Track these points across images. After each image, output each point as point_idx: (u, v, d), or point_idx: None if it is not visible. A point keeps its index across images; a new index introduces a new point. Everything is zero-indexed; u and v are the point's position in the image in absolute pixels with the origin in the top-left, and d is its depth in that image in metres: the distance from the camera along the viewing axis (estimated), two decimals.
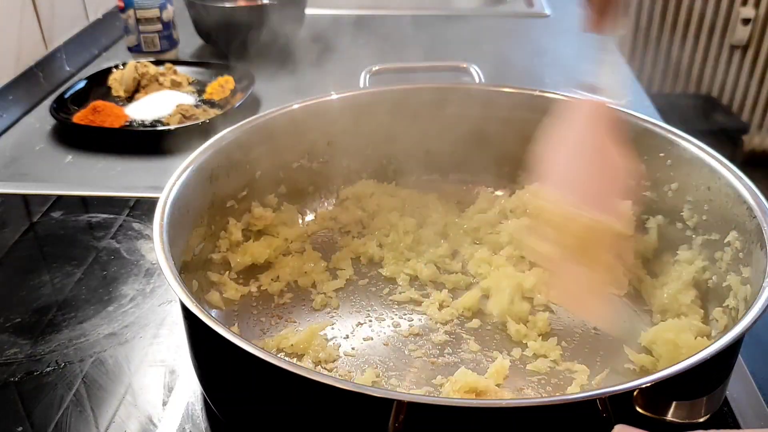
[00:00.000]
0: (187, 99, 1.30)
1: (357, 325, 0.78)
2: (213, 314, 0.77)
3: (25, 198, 1.05)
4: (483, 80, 1.10)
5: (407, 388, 0.69)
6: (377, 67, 1.09)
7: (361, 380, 0.70)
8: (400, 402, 0.49)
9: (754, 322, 0.56)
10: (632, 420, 0.48)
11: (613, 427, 0.47)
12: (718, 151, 0.78)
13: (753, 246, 0.68)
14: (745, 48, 3.04)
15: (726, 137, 3.00)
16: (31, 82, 1.35)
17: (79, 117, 1.21)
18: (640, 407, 0.50)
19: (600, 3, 0.70)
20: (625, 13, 0.68)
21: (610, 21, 0.71)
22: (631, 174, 0.70)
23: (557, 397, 0.54)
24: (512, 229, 0.84)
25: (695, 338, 0.68)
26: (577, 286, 0.69)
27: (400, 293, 0.82)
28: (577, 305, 0.71)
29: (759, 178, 0.75)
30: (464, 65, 1.14)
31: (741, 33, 2.99)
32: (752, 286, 0.67)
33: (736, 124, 3.10)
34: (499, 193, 0.98)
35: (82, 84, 1.33)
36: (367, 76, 1.07)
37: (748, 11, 2.95)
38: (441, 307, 0.80)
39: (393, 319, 0.79)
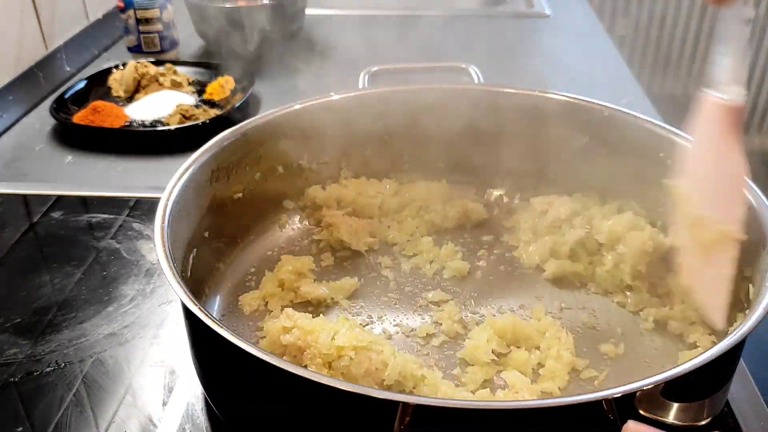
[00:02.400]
0: (187, 99, 1.30)
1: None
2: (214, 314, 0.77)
3: (25, 198, 1.05)
4: (482, 81, 1.10)
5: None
6: (377, 68, 1.09)
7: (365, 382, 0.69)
8: (405, 404, 0.49)
9: (758, 323, 0.55)
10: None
11: (622, 427, 0.47)
12: None
13: (755, 246, 0.68)
14: None
15: None
16: (31, 82, 1.35)
17: (79, 117, 1.21)
18: (642, 409, 0.50)
19: None
20: None
21: None
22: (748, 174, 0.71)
23: (564, 399, 0.54)
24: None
25: None
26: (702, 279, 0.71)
27: (401, 294, 0.82)
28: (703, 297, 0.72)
29: (759, 178, 0.74)
30: (463, 66, 1.14)
31: None
32: (754, 286, 0.66)
33: None
34: (497, 193, 0.98)
35: (82, 84, 1.33)
36: (367, 76, 1.07)
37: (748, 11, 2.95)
38: (443, 308, 0.80)
39: (394, 320, 0.79)
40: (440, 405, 0.50)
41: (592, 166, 0.91)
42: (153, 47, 1.46)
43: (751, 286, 0.68)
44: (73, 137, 1.20)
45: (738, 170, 0.69)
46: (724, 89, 0.69)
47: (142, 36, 1.44)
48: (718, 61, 0.70)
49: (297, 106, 0.90)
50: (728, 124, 0.69)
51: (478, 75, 1.10)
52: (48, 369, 0.74)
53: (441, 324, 0.77)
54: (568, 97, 0.91)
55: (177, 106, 1.24)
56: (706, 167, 0.71)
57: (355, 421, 0.54)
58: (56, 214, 1.00)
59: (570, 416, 0.50)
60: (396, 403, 0.49)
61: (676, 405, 0.52)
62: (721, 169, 0.70)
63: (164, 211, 0.69)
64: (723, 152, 0.69)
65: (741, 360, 0.72)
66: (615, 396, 0.49)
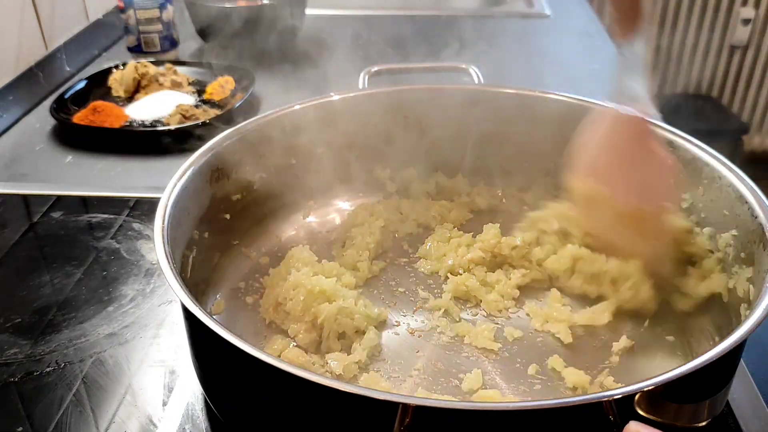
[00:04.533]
0: (187, 99, 1.30)
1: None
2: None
3: (25, 198, 1.05)
4: (482, 81, 1.09)
5: (410, 390, 0.69)
6: (377, 68, 1.09)
7: (365, 382, 0.69)
8: (405, 405, 0.49)
9: (758, 324, 0.55)
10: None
11: (623, 428, 0.47)
12: (718, 151, 0.78)
13: (755, 246, 0.68)
14: (745, 48, 3.04)
15: (726, 137, 3.00)
16: (31, 82, 1.35)
17: (79, 117, 1.21)
18: (642, 410, 0.50)
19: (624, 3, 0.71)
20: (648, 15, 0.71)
21: (634, 24, 0.72)
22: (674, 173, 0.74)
23: (564, 400, 0.53)
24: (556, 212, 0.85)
25: None
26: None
27: (400, 294, 0.82)
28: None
29: (759, 178, 0.74)
30: (463, 66, 1.14)
31: (741, 33, 2.99)
32: (755, 286, 0.67)
33: (736, 124, 3.09)
34: (498, 193, 0.98)
35: (82, 84, 1.33)
36: (367, 76, 1.07)
37: (748, 11, 2.95)
38: (442, 307, 0.80)
39: (394, 320, 0.79)
40: (440, 406, 0.50)
41: None
42: (153, 47, 1.46)
43: (751, 286, 0.68)
44: (73, 137, 1.20)
45: (661, 171, 0.74)
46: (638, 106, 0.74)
47: (142, 36, 1.45)
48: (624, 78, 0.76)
49: (297, 106, 0.90)
50: (640, 130, 0.74)
51: (478, 75, 1.10)
52: (48, 369, 0.74)
53: (443, 324, 0.77)
54: (568, 97, 0.91)
55: (177, 106, 1.24)
56: (614, 164, 0.75)
57: (354, 422, 0.53)
58: (56, 214, 1.00)
59: (570, 417, 0.50)
60: (396, 404, 0.49)
61: (676, 406, 0.52)
62: (637, 167, 0.75)
63: (164, 211, 0.69)
64: (639, 153, 0.74)
65: (741, 361, 0.72)
66: (615, 397, 0.49)
